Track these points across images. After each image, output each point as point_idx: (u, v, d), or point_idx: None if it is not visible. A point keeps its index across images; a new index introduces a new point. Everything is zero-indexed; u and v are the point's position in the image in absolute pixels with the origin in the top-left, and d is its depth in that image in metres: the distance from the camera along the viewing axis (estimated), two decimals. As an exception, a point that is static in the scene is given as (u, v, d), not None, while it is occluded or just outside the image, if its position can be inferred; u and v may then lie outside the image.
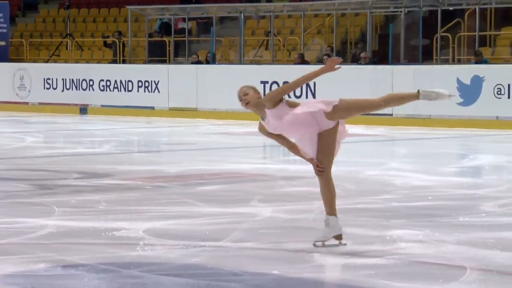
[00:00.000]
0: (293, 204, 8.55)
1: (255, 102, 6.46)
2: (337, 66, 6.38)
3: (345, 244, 6.49)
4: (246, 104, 6.46)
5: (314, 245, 6.50)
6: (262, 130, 6.58)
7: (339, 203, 8.21)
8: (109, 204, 8.49)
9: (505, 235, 6.94)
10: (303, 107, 6.44)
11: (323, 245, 6.48)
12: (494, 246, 6.51)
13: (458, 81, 18.03)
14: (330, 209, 6.54)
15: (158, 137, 17.68)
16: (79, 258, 6.18)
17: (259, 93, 6.53)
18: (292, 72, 20.06)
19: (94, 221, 7.61)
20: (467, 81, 17.97)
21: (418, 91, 6.58)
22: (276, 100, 6.44)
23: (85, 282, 5.56)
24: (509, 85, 17.50)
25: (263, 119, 6.53)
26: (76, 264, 6.02)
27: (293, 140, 6.63)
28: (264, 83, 20.06)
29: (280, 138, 6.62)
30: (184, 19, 24.50)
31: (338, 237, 6.52)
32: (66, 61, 26.29)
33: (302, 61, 20.80)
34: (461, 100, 17.98)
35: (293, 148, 6.64)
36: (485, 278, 5.62)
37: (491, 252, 6.33)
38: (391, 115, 18.58)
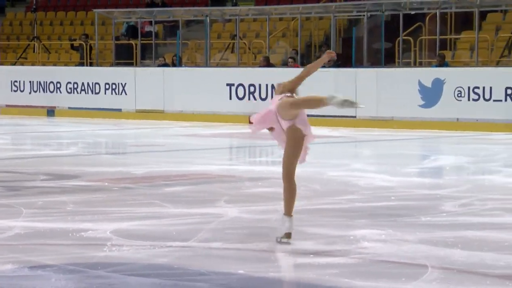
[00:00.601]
0: (259, 204, 8.56)
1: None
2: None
3: (289, 244, 6.51)
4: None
5: (277, 241, 6.60)
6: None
7: (304, 203, 8.24)
8: (76, 205, 8.45)
9: (465, 234, 7.00)
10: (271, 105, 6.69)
11: (279, 242, 6.56)
12: (454, 245, 6.56)
13: (420, 83, 18.16)
14: (289, 210, 6.63)
15: (125, 139, 17.61)
16: (46, 259, 6.14)
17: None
18: (257, 75, 20.11)
19: (61, 222, 7.56)
20: (428, 83, 18.11)
21: (329, 98, 6.47)
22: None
23: (52, 282, 5.52)
24: (469, 88, 17.66)
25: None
26: (43, 264, 5.98)
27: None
28: (230, 85, 20.08)
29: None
30: (150, 23, 24.43)
31: (288, 235, 6.60)
32: (33, 64, 26.10)
33: (268, 64, 20.83)
34: (422, 102, 18.12)
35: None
36: (446, 276, 5.67)
37: (452, 250, 6.38)
38: (355, 117, 18.67)
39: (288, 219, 6.61)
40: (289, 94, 6.72)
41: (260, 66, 20.89)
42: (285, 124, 6.60)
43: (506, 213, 8.11)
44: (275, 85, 7.08)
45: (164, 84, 21.20)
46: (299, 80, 6.82)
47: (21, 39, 28.84)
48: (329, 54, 6.81)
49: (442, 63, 19.05)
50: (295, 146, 6.60)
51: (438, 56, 19.21)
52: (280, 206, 7.97)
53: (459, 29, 21.54)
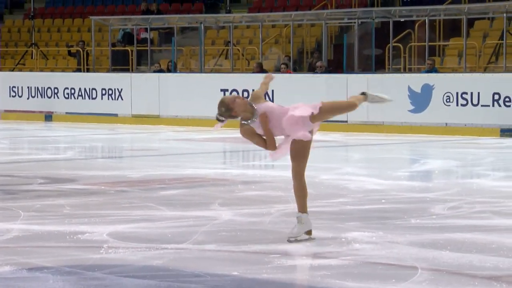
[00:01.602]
0: (252, 207, 8.55)
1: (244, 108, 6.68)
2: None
3: (314, 239, 6.68)
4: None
5: (289, 240, 6.65)
6: (248, 131, 6.72)
7: (296, 206, 8.23)
8: (73, 208, 8.43)
9: (454, 237, 7.00)
10: (294, 111, 6.68)
11: (296, 240, 6.64)
12: (443, 247, 6.56)
13: (409, 89, 18.18)
14: (302, 207, 6.76)
15: (121, 143, 17.58)
16: (44, 261, 6.12)
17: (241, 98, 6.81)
18: (251, 81, 20.10)
19: (58, 225, 7.54)
20: (417, 89, 18.13)
21: (364, 93, 6.96)
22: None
23: (50, 284, 5.51)
24: (457, 93, 17.69)
25: (247, 122, 6.68)
26: (41, 266, 5.96)
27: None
28: (224, 91, 20.06)
29: (258, 138, 6.75)
30: (146, 29, 24.41)
31: (309, 232, 6.75)
32: (31, 70, 26.06)
33: (261, 69, 20.83)
34: (412, 107, 18.14)
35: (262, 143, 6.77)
36: (435, 278, 5.67)
37: (441, 252, 6.38)
38: (346, 121, 18.68)
39: (307, 216, 6.69)
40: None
41: (253, 72, 20.90)
42: (308, 128, 6.70)
43: (493, 215, 8.11)
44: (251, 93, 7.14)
45: (159, 89, 21.19)
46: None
47: (19, 46, 28.80)
48: (268, 78, 7.01)
49: (432, 67, 19.08)
50: (308, 149, 6.72)
51: (429, 60, 19.25)
52: (273, 209, 7.97)
53: (448, 36, 21.58)
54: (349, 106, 7.10)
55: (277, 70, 21.64)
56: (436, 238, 6.91)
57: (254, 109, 6.70)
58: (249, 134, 6.70)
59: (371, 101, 6.99)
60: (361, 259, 6.20)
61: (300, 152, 6.71)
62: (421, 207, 8.62)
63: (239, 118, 6.75)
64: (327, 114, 6.82)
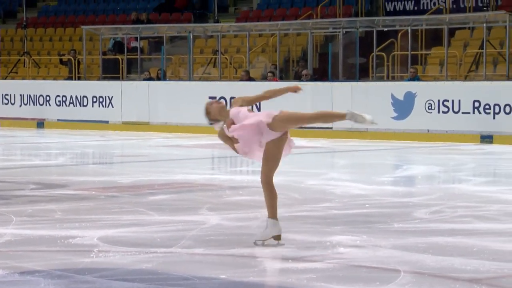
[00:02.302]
0: (240, 212, 8.54)
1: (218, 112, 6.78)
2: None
3: (283, 244, 6.59)
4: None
5: (255, 243, 6.63)
6: (221, 134, 6.78)
7: (283, 211, 8.23)
8: (64, 213, 8.39)
9: (436, 240, 7.01)
10: (250, 119, 6.64)
11: (263, 244, 6.60)
12: (426, 251, 6.57)
13: (393, 96, 18.22)
14: (271, 212, 6.69)
15: (112, 149, 17.54)
16: (35, 265, 6.09)
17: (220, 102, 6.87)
18: (238, 88, 20.09)
19: (50, 229, 7.51)
20: (400, 96, 18.17)
21: (349, 113, 6.67)
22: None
23: (41, 287, 5.48)
24: (439, 101, 17.73)
25: (218, 126, 6.77)
26: (32, 270, 5.93)
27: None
28: (212, 98, 20.04)
29: (230, 141, 6.77)
30: (136, 38, 24.38)
31: (277, 237, 6.67)
32: (23, 78, 25.97)
33: (248, 77, 20.84)
34: (395, 114, 18.17)
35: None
36: (418, 280, 5.67)
37: (423, 256, 6.39)
38: (331, 128, 18.69)
39: (277, 222, 6.64)
40: (249, 108, 6.84)
41: (241, 80, 20.90)
42: (271, 134, 6.60)
43: (475, 220, 8.13)
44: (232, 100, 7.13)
45: (149, 97, 21.16)
46: (259, 99, 7.03)
47: (12, 54, 28.71)
48: (296, 88, 6.88)
49: (415, 74, 19.13)
50: (277, 155, 6.66)
51: (411, 68, 19.31)
52: (260, 213, 7.96)
53: (429, 45, 21.65)
54: (306, 119, 6.84)
55: (264, 78, 21.65)
56: (419, 242, 6.91)
57: (228, 114, 6.75)
58: (222, 137, 6.81)
59: (351, 118, 6.67)
60: (345, 262, 6.20)
61: (270, 156, 6.65)
62: (404, 211, 8.63)
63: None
64: (287, 123, 6.60)
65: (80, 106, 22.12)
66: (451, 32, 21.09)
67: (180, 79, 23.47)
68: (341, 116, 6.73)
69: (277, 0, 27.40)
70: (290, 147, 6.76)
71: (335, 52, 20.82)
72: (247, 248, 6.66)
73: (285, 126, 6.63)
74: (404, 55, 20.32)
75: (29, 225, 7.71)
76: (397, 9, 24.94)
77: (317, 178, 11.63)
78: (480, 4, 22.82)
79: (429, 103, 17.82)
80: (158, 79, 22.47)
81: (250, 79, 20.95)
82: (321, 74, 21.86)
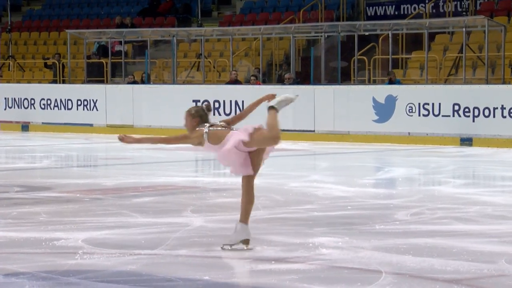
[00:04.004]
0: (223, 214, 8.54)
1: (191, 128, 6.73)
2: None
3: (251, 249, 6.55)
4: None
5: (222, 248, 6.60)
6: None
7: (265, 213, 8.24)
8: (48, 216, 8.36)
9: (416, 242, 7.03)
10: (228, 143, 6.50)
11: (231, 248, 6.57)
12: (406, 252, 6.59)
13: (374, 100, 18.28)
14: (242, 216, 6.65)
15: (96, 152, 17.49)
16: (20, 267, 6.07)
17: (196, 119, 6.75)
18: (222, 92, 20.11)
19: (34, 231, 7.48)
20: (381, 100, 18.23)
21: (274, 108, 6.54)
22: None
23: (25, 289, 5.46)
24: (419, 104, 17.81)
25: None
26: (17, 272, 5.91)
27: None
28: (196, 101, 20.03)
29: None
30: (120, 42, 24.34)
31: (246, 242, 6.62)
32: (8, 81, 25.86)
33: (236, 79, 20.96)
34: (376, 117, 18.23)
35: None
36: (398, 281, 5.69)
37: (404, 257, 6.41)
38: (313, 131, 18.73)
39: (247, 227, 6.64)
40: (226, 125, 6.70)
41: (230, 80, 20.99)
42: (251, 149, 6.59)
43: (454, 221, 8.16)
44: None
45: (133, 100, 21.12)
46: (240, 118, 6.81)
47: (-4, 58, 28.60)
48: (270, 96, 6.67)
49: (393, 79, 19.20)
50: (258, 161, 6.65)
51: (388, 74, 19.41)
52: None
53: (410, 49, 21.74)
54: (273, 127, 6.49)
55: (247, 81, 21.66)
56: (400, 243, 6.93)
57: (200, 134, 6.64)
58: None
59: (282, 108, 6.58)
60: (327, 264, 6.21)
61: (253, 161, 6.62)
62: (385, 213, 8.65)
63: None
64: (257, 143, 6.51)
65: (65, 109, 22.05)
66: (431, 37, 21.20)
67: (164, 82, 23.46)
68: (276, 113, 6.55)
69: (260, 5, 27.44)
70: (270, 150, 6.73)
71: (317, 56, 20.87)
72: (230, 250, 6.65)
73: (260, 145, 6.58)
74: (385, 59, 20.40)
75: (14, 227, 7.68)
76: (378, 13, 25.04)
77: (299, 180, 11.64)
78: (459, 9, 22.94)
79: (409, 106, 17.89)
80: (142, 82, 22.44)
81: (237, 81, 20.99)
82: (303, 78, 21.91)
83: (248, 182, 6.62)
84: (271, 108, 6.56)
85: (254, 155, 6.60)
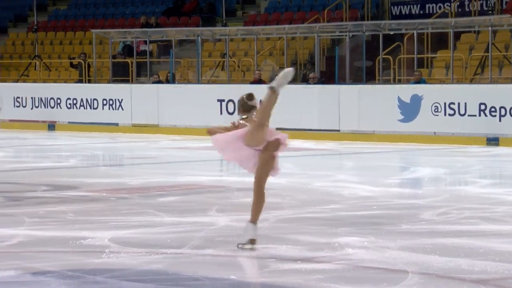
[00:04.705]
0: (248, 213, 8.50)
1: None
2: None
3: (254, 249, 6.54)
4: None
5: (237, 247, 6.60)
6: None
7: (291, 213, 8.24)
8: (75, 215, 8.40)
9: (443, 241, 6.99)
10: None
11: (243, 248, 6.58)
12: (432, 252, 6.55)
13: (399, 99, 18.20)
14: (254, 217, 6.69)
15: (121, 151, 17.55)
16: (47, 265, 6.10)
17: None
18: (246, 91, 20.06)
19: (61, 230, 7.52)
20: (407, 99, 18.14)
21: (272, 88, 6.66)
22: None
23: (52, 287, 5.48)
24: (445, 103, 17.70)
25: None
26: (44, 271, 5.94)
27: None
28: (220, 101, 20.07)
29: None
30: (145, 42, 24.41)
31: (252, 241, 6.63)
32: (34, 81, 26.01)
33: (260, 79, 20.97)
34: (401, 117, 18.15)
35: None
36: (425, 281, 5.66)
37: (430, 257, 6.37)
38: (338, 130, 18.68)
39: (256, 227, 6.62)
40: (242, 121, 6.74)
41: (254, 80, 20.99)
42: (259, 148, 6.61)
43: (481, 221, 8.11)
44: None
45: (158, 100, 21.17)
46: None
47: (23, 58, 28.77)
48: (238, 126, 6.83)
49: (419, 78, 19.11)
50: (267, 165, 6.62)
51: (416, 71, 19.30)
52: (269, 215, 7.96)
53: (435, 48, 21.61)
54: (264, 112, 6.70)
55: (271, 81, 21.64)
56: (426, 243, 6.90)
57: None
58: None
59: (282, 86, 6.66)
60: (353, 264, 6.19)
61: (266, 163, 6.63)
62: (411, 213, 8.61)
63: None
64: (255, 139, 6.59)
65: (90, 108, 22.16)
66: (457, 36, 21.05)
67: (189, 82, 23.49)
68: (273, 96, 6.64)
69: (284, 4, 27.41)
70: (284, 145, 6.71)
71: (341, 55, 20.81)
72: (256, 249, 6.64)
73: (255, 142, 6.58)
74: (410, 58, 20.30)
75: (41, 226, 7.72)
76: (403, 13, 24.92)
77: (324, 180, 11.61)
78: (485, 8, 22.78)
79: (435, 106, 17.79)
80: (167, 82, 22.48)
81: (261, 81, 20.99)
82: (328, 77, 21.84)
83: (259, 181, 6.64)
84: (270, 89, 6.62)
85: (264, 154, 6.60)
